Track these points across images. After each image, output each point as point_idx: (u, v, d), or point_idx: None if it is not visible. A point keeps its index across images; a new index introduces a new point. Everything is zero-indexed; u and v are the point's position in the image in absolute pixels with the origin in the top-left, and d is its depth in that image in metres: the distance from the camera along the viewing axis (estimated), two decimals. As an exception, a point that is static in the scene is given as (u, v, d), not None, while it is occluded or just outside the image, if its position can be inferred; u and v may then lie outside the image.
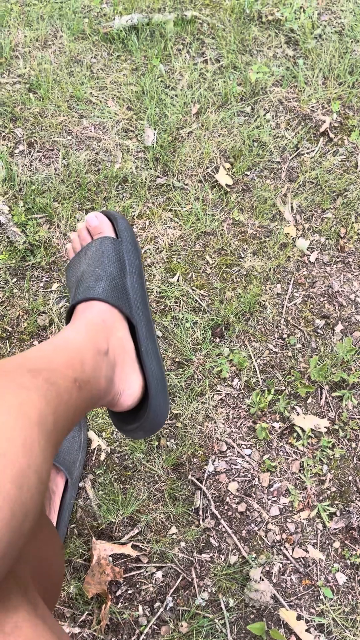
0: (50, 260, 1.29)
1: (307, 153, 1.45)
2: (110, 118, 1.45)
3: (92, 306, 0.74)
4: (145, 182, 1.38)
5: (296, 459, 1.14)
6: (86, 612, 1.01)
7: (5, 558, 0.38)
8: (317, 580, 1.04)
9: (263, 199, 1.38)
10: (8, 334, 1.22)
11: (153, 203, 1.36)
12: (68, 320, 0.75)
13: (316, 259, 1.33)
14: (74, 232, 0.89)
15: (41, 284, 1.27)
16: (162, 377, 0.77)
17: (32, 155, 1.41)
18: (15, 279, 1.27)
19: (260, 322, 1.25)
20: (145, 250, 1.31)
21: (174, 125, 1.44)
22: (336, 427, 1.16)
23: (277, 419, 1.17)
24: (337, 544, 1.07)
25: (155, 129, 1.44)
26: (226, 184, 1.38)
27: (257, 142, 1.45)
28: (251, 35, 1.59)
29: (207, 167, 1.41)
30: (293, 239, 1.34)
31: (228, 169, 1.41)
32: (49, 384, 0.51)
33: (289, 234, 1.34)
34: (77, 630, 1.00)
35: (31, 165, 1.39)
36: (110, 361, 0.69)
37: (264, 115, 1.48)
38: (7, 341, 1.21)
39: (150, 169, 1.40)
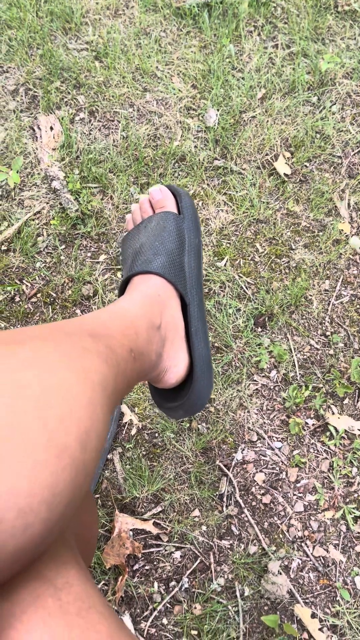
0: (100, 231, 1.29)
1: (371, 150, 1.42)
2: (174, 94, 1.43)
3: (148, 279, 0.73)
4: (203, 163, 1.36)
5: (326, 458, 1.12)
6: (102, 582, 1.02)
7: (65, 517, 0.38)
8: (335, 582, 1.04)
9: (320, 193, 1.35)
10: (52, 299, 1.22)
11: (208, 185, 1.35)
12: (122, 290, 0.74)
13: (368, 259, 1.30)
14: (135, 203, 0.89)
15: (89, 254, 1.27)
16: (209, 359, 0.76)
17: (92, 124, 1.40)
18: (64, 246, 1.27)
19: (304, 317, 1.23)
20: (195, 232, 1.29)
21: (237, 108, 1.42)
22: (371, 431, 1.14)
23: (312, 415, 1.15)
24: (359, 548, 1.06)
25: (218, 110, 1.41)
26: (284, 173, 1.36)
27: (320, 134, 1.42)
28: (325, 23, 1.55)
29: (267, 154, 1.38)
30: (347, 236, 1.31)
31: (288, 158, 1.38)
32: (109, 350, 0.50)
33: (343, 230, 1.31)
34: (92, 598, 1.01)
35: (90, 133, 1.39)
36: (162, 336, 0.68)
37: (330, 107, 1.45)
38: (50, 307, 1.22)
39: (209, 149, 1.38)
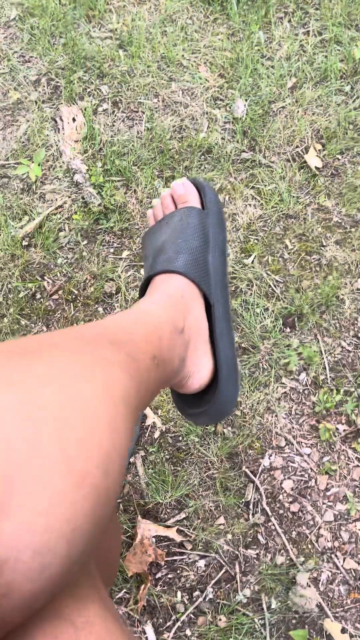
0: (123, 227, 1.25)
1: None
2: (201, 84, 1.38)
3: (171, 279, 0.69)
4: (230, 155, 1.31)
5: (358, 466, 1.07)
6: (124, 590, 0.99)
7: (87, 550, 0.35)
8: (367, 596, 0.99)
9: (353, 187, 1.29)
10: (74, 296, 1.19)
11: (235, 178, 1.30)
12: (143, 290, 0.71)
13: None
14: (157, 198, 0.84)
15: (111, 250, 1.23)
16: (234, 363, 0.72)
17: (115, 115, 1.36)
18: (86, 242, 1.24)
19: (335, 317, 1.18)
20: (222, 227, 1.25)
21: (266, 98, 1.36)
22: None
23: (343, 421, 1.10)
24: (392, 561, 1.01)
25: (246, 100, 1.36)
26: (315, 167, 1.30)
27: (354, 125, 1.35)
28: (359, 9, 1.48)
29: (297, 147, 1.33)
30: (381, 232, 1.26)
31: (319, 150, 1.33)
32: (130, 358, 0.46)
33: (376, 226, 1.26)
34: (113, 606, 0.98)
35: (114, 125, 1.34)
36: (185, 340, 0.65)
37: (364, 96, 1.38)
38: (71, 304, 1.18)
39: (237, 142, 1.32)
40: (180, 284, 0.68)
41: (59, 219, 1.25)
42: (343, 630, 0.97)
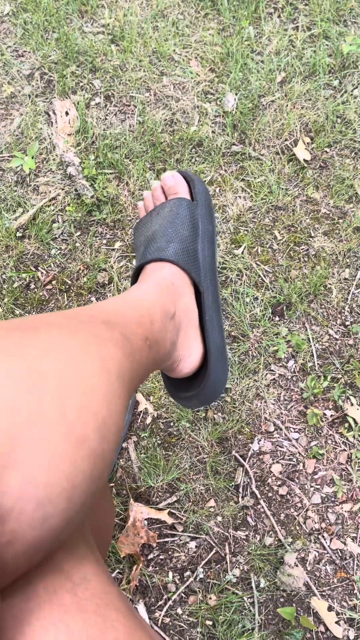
0: (115, 218, 1.27)
1: (393, 135, 1.38)
2: (192, 78, 1.41)
3: (162, 267, 0.71)
4: (220, 148, 1.33)
5: (345, 450, 1.10)
6: (117, 570, 1.02)
7: (84, 508, 0.37)
8: (353, 575, 1.02)
9: (341, 179, 1.32)
10: (67, 286, 1.21)
11: (226, 170, 1.32)
12: (135, 279, 0.73)
13: (389, 247, 1.27)
14: (148, 191, 0.87)
15: (104, 241, 1.26)
16: (223, 349, 0.74)
17: (108, 109, 1.38)
18: (79, 233, 1.26)
19: (323, 306, 1.21)
20: (212, 218, 1.27)
21: (256, 92, 1.38)
22: (390, 423, 1.12)
23: (330, 406, 1.13)
24: (377, 541, 1.04)
25: (236, 94, 1.38)
26: (304, 159, 1.33)
27: (341, 119, 1.38)
28: (348, 4, 1.51)
29: (286, 140, 1.35)
30: (367, 223, 1.28)
31: (307, 143, 1.35)
32: (124, 338, 0.49)
33: (363, 218, 1.28)
34: (106, 586, 1.00)
35: (106, 118, 1.37)
36: (176, 325, 0.67)
37: (352, 90, 1.41)
38: (65, 294, 1.20)
39: (227, 135, 1.35)
40: (170, 272, 0.70)
41: (53, 210, 1.27)
42: (329, 608, 1.00)
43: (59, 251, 1.24)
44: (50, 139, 1.34)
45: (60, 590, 0.36)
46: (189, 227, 0.75)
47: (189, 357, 0.69)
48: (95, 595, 0.37)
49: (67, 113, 1.36)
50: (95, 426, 0.37)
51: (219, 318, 0.75)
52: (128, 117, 1.37)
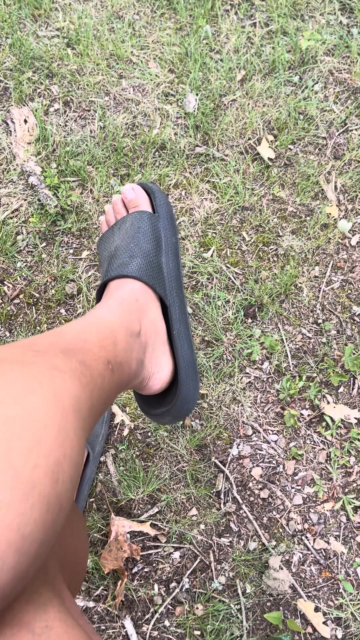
0: (81, 227, 1.24)
1: (356, 130, 1.38)
2: (151, 80, 1.38)
3: (125, 284, 0.69)
4: (184, 151, 1.32)
5: (323, 449, 1.10)
6: (101, 587, 1.00)
7: (39, 557, 0.36)
8: (338, 574, 1.02)
9: (306, 176, 1.31)
10: (35, 300, 1.18)
11: (190, 173, 1.31)
12: (99, 297, 0.71)
13: (357, 242, 1.27)
14: (109, 204, 0.85)
15: (71, 251, 1.23)
16: (193, 362, 0.73)
17: (67, 115, 1.35)
18: (44, 244, 1.23)
19: (295, 305, 1.21)
20: (179, 222, 1.26)
21: (217, 91, 1.37)
22: (367, 419, 1.12)
23: (307, 406, 1.13)
24: (360, 538, 1.05)
25: (197, 95, 1.37)
26: (268, 158, 1.32)
27: (304, 115, 1.37)
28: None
29: (250, 139, 1.34)
30: (335, 219, 1.28)
31: (271, 141, 1.34)
32: (83, 366, 0.47)
33: (330, 214, 1.28)
34: (91, 604, 0.99)
35: (66, 125, 1.34)
36: (142, 343, 0.65)
37: (313, 86, 1.40)
38: (33, 307, 1.18)
39: (190, 136, 1.33)
40: (134, 288, 0.69)
41: (16, 222, 1.24)
42: (316, 609, 1.00)
43: (24, 264, 1.21)
44: (9, 148, 1.30)
45: None
46: (152, 241, 0.74)
47: (158, 374, 0.68)
48: None
49: (25, 121, 1.32)
50: (47, 469, 0.36)
51: (187, 331, 0.74)
52: (88, 122, 1.35)
